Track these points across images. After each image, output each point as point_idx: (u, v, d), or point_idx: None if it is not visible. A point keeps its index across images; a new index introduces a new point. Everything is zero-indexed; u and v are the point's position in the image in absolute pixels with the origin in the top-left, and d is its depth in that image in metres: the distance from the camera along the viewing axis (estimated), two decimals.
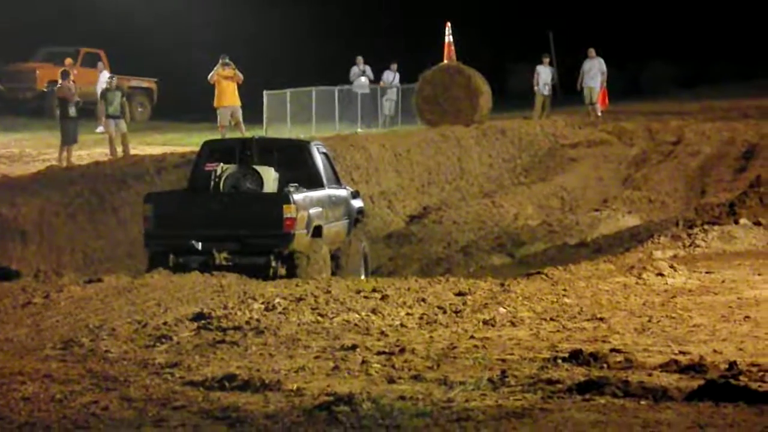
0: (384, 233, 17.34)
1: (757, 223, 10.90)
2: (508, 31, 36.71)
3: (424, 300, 8.41)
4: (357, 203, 13.25)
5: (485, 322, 7.52)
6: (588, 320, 7.57)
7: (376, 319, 7.70)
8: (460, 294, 8.68)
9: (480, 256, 15.46)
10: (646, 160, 22.40)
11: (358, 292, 8.87)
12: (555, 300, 8.32)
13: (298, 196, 11.49)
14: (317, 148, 12.79)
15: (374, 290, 8.92)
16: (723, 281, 8.80)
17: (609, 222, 17.57)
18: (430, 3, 35.83)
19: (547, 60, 26.74)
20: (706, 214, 11.80)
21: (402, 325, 7.53)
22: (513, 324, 7.49)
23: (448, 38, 25.30)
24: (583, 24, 35.45)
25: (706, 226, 10.96)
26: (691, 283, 8.82)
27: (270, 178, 11.79)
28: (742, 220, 10.97)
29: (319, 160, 12.57)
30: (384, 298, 8.50)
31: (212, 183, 11.65)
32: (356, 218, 13.04)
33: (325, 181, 12.39)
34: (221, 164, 11.80)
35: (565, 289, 8.79)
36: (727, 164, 21.31)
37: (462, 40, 26.01)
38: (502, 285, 9.08)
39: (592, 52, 26.12)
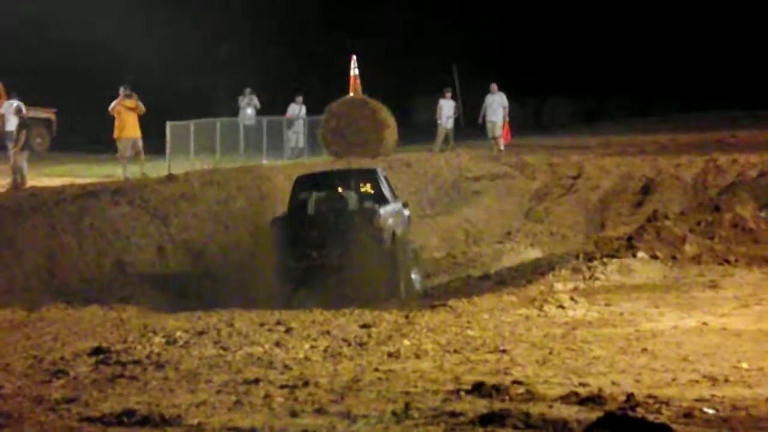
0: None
1: (654, 257, 11.09)
2: (413, 64, 37.08)
3: (328, 332, 8.38)
4: (406, 212, 16.48)
5: (390, 355, 7.52)
6: (491, 352, 7.61)
7: (279, 352, 7.64)
8: (364, 326, 8.67)
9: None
10: (548, 194, 22.73)
11: (262, 324, 8.80)
12: (459, 332, 8.36)
13: (382, 210, 14.81)
14: (381, 173, 16.25)
15: (278, 323, 8.86)
16: (621, 314, 8.94)
17: (512, 254, 17.77)
18: (337, 37, 36.03)
19: (449, 94, 27.12)
20: (605, 247, 11.96)
21: (306, 358, 7.48)
22: (417, 356, 7.50)
23: (354, 71, 25.43)
24: (486, 59, 36.00)
25: (605, 259, 11.10)
26: (590, 316, 8.94)
27: (352, 199, 15.06)
28: (640, 254, 11.15)
29: (384, 182, 15.91)
30: (288, 330, 8.44)
31: (310, 206, 14.88)
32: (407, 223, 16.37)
33: (389, 198, 15.57)
34: (314, 193, 15.12)
35: (468, 321, 8.84)
36: (626, 198, 21.73)
37: (367, 73, 26.18)
38: (407, 317, 9.10)
39: (494, 87, 26.53)
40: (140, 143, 20.39)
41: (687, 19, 38.88)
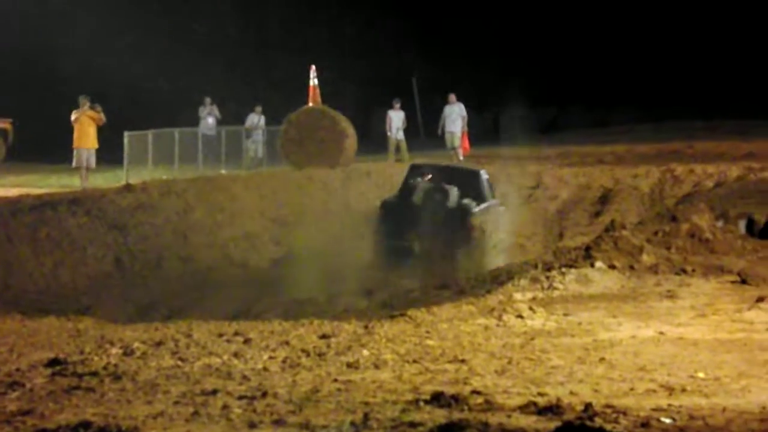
0: (248, 275, 17.20)
1: (612, 267, 11.16)
2: (373, 75, 37.13)
3: (287, 343, 8.35)
4: (502, 208, 19.12)
5: (349, 365, 7.50)
6: (450, 362, 7.62)
7: (238, 362, 7.60)
8: (323, 336, 8.64)
9: (345, 298, 15.44)
10: (506, 204, 22.83)
11: (220, 335, 8.74)
12: (418, 342, 8.36)
13: (476, 210, 17.33)
14: (483, 175, 18.78)
15: (236, 333, 8.81)
16: (579, 323, 8.98)
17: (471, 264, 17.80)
18: (296, 46, 35.98)
19: (397, 105, 27.31)
20: (563, 257, 12.00)
21: (264, 368, 7.44)
22: (376, 366, 7.49)
23: (313, 81, 25.42)
24: (445, 69, 36.15)
25: (563, 269, 11.15)
26: (549, 325, 8.97)
27: (453, 193, 17.33)
28: (598, 264, 11.21)
29: (485, 183, 18.48)
30: (247, 341, 8.40)
31: (416, 194, 17.28)
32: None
33: (486, 197, 18.19)
34: (422, 181, 17.56)
35: (427, 331, 8.84)
36: (584, 208, 21.90)
37: (327, 83, 26.19)
38: (366, 327, 9.08)
39: (452, 97, 26.65)
40: (94, 155, 20.33)
41: (644, 29, 39.25)
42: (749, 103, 39.18)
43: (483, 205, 17.88)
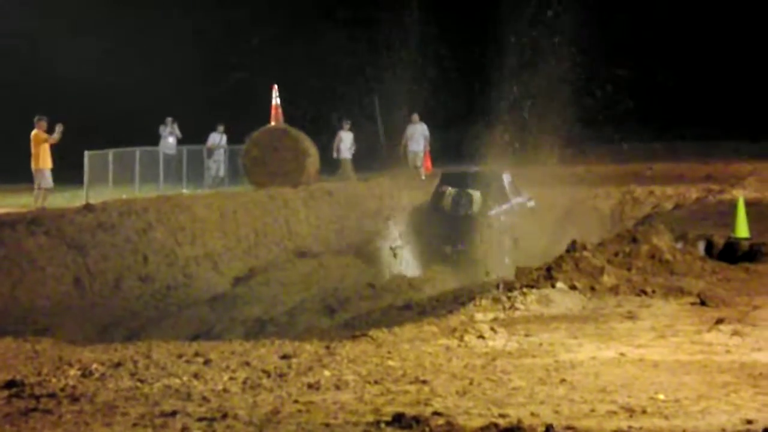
0: (208, 295, 17.10)
1: (573, 287, 11.19)
2: (335, 94, 37.20)
3: (248, 363, 8.29)
4: (531, 203, 21.58)
5: (310, 386, 7.46)
6: (411, 383, 7.60)
7: (197, 384, 7.53)
8: (284, 357, 8.59)
9: (306, 318, 15.40)
10: (469, 224, 22.87)
11: (180, 356, 8.66)
12: (379, 362, 8.33)
13: (492, 212, 19.64)
14: (505, 176, 20.95)
15: (197, 354, 8.73)
16: (541, 344, 8.99)
17: (434, 283, 17.83)
18: (260, 65, 35.98)
19: (347, 126, 27.49)
20: (525, 277, 12.03)
21: (224, 389, 7.38)
22: (337, 387, 7.45)
23: (276, 101, 25.42)
24: (407, 88, 36.25)
25: (525, 290, 11.16)
26: (510, 346, 8.97)
27: (477, 198, 19.74)
28: (559, 284, 11.24)
29: (506, 183, 20.69)
30: (207, 362, 8.33)
31: (446, 201, 19.82)
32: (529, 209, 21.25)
33: (509, 196, 20.55)
34: (449, 188, 20.01)
35: (389, 352, 8.81)
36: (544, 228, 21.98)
37: (289, 102, 26.20)
38: (328, 347, 9.04)
39: (415, 117, 26.76)
40: (49, 175, 20.26)
41: (605, 47, 39.61)
42: (708, 125, 39.66)
43: (504, 206, 20.41)
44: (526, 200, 21.62)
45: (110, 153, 23.44)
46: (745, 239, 14.15)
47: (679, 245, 13.20)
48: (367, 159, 29.40)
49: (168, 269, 17.54)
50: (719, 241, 14.02)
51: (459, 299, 13.61)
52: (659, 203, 22.89)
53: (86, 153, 22.71)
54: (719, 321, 9.46)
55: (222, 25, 37.87)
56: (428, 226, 19.89)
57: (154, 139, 26.53)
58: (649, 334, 9.22)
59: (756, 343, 8.67)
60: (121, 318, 15.37)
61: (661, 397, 6.95)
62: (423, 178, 26.46)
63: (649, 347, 8.73)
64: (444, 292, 16.15)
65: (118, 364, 8.11)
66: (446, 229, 19.64)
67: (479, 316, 10.41)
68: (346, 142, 27.19)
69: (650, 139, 36.34)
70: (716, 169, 28.71)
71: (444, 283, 17.24)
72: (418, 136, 27.03)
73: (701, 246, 13.70)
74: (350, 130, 27.50)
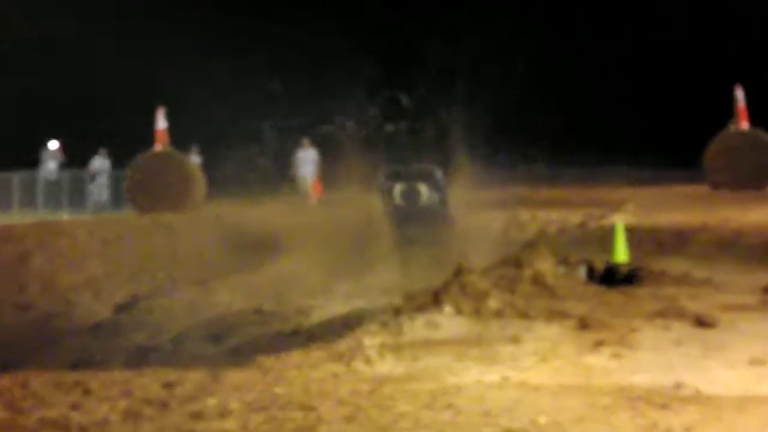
0: (90, 323, 16.74)
1: (459, 311, 11.28)
2: (219, 119, 36.97)
3: (129, 392, 8.11)
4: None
5: (193, 415, 7.33)
6: (298, 409, 7.53)
7: (76, 414, 7.33)
8: (167, 385, 8.42)
9: (191, 346, 15.19)
10: (359, 249, 22.93)
11: (59, 386, 8.43)
12: (265, 389, 8.24)
13: (436, 202, 22.33)
14: (437, 172, 23.45)
15: (76, 383, 8.50)
16: (427, 369, 9.03)
17: (322, 309, 17.78)
18: (147, 90, 35.53)
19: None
20: (412, 302, 12.07)
21: (104, 420, 7.21)
22: (222, 416, 7.34)
23: (161, 124, 25.14)
24: (297, 114, 36.24)
25: (412, 314, 11.21)
26: (397, 371, 8.99)
27: (424, 191, 22.55)
28: (446, 309, 11.31)
29: (439, 178, 23.29)
30: (86, 392, 8.11)
31: (396, 195, 22.64)
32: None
33: (443, 189, 23.05)
34: (397, 183, 22.72)
35: (276, 378, 8.73)
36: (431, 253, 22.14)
37: (175, 126, 25.95)
38: (213, 375, 8.91)
39: (306, 142, 26.77)
40: None
41: (488, 72, 40.31)
42: (591, 151, 40.63)
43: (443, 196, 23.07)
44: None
45: None
46: (624, 264, 14.51)
47: (562, 269, 13.44)
48: (257, 184, 29.21)
49: (47, 297, 17.12)
50: (599, 265, 14.33)
51: (347, 324, 13.59)
52: (543, 227, 23.29)
53: None
54: (599, 344, 9.64)
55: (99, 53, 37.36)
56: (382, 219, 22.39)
57: (33, 163, 25.98)
58: (532, 358, 9.34)
59: (634, 366, 8.87)
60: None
61: (542, 420, 7.03)
62: (313, 203, 26.47)
63: (531, 370, 8.84)
64: (332, 317, 16.12)
65: None
66: (401, 219, 22.14)
67: (367, 341, 10.40)
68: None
69: (532, 164, 37.01)
70: (598, 195, 29.38)
71: (337, 305, 17.22)
72: (308, 161, 27.03)
73: (583, 270, 13.97)
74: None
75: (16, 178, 23.94)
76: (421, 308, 11.50)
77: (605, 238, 17.15)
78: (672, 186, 32.38)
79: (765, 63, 40.44)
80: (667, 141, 40.00)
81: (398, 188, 22.85)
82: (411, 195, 22.72)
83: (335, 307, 17.94)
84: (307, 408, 7.57)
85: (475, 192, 28.96)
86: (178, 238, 22.08)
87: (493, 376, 8.64)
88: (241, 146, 28.78)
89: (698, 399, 7.66)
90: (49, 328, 16.40)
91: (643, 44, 42.93)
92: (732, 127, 28.12)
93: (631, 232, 17.07)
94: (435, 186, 23.31)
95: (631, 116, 42.43)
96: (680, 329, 10.41)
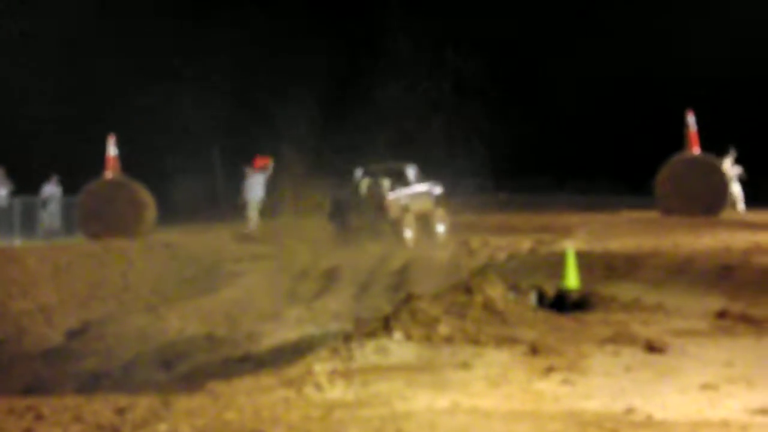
0: (41, 349, 16.60)
1: (410, 337, 11.36)
2: (172, 144, 36.89)
3: (80, 418, 8.11)
4: (437, 190, 27.51)
5: None
6: None
7: None
8: (119, 411, 8.43)
9: (142, 372, 15.11)
10: (309, 275, 22.98)
11: (11, 411, 8.41)
12: (216, 415, 8.27)
13: (391, 195, 24.98)
14: (410, 168, 26.51)
15: (28, 409, 8.49)
16: (377, 394, 9.07)
17: (273, 335, 17.75)
18: (95, 117, 35.37)
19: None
20: (363, 328, 12.12)
21: None
22: None
23: (112, 151, 25.05)
24: (250, 137, 36.27)
25: (363, 340, 11.25)
26: (348, 397, 9.04)
27: (386, 185, 25.20)
28: (396, 335, 11.37)
29: (410, 173, 26.28)
30: (38, 417, 8.11)
31: (360, 188, 25.32)
32: (437, 197, 27.33)
33: (411, 182, 26.21)
34: (366, 178, 25.73)
35: (226, 404, 8.76)
36: (383, 280, 22.23)
37: (127, 152, 25.84)
38: (164, 401, 8.92)
39: (252, 167, 26.72)
40: None
41: (450, 99, 40.66)
42: (541, 177, 40.97)
43: (405, 191, 25.61)
44: (431, 187, 27.18)
45: None
46: (575, 289, 14.65)
47: (512, 295, 13.56)
48: (206, 210, 29.18)
49: None
50: (550, 291, 14.47)
51: (298, 350, 13.61)
52: (493, 254, 23.44)
53: None
54: (549, 369, 9.74)
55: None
56: (341, 208, 25.08)
57: None
58: (482, 383, 9.43)
59: (584, 391, 8.96)
60: None
61: None
62: (254, 228, 26.55)
63: (482, 396, 8.92)
64: (283, 342, 16.11)
65: None
66: (349, 208, 24.92)
67: (318, 367, 10.43)
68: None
69: (484, 191, 37.27)
70: (548, 221, 29.63)
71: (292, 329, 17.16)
72: (254, 185, 27.05)
73: (533, 296, 14.10)
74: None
75: None
76: (371, 334, 11.54)
77: (556, 263, 17.29)
78: (623, 211, 32.68)
79: (717, 89, 41.09)
80: (618, 167, 40.42)
81: (364, 182, 25.35)
82: (372, 188, 25.04)
83: (286, 333, 17.93)
84: None
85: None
86: (130, 265, 21.98)
87: (443, 401, 8.70)
88: (190, 171, 28.76)
89: (650, 424, 7.75)
90: (1, 354, 16.24)
91: (595, 69, 43.44)
92: (683, 153, 28.40)
93: (582, 257, 17.21)
94: (403, 181, 25.64)
95: (582, 143, 42.84)
96: (631, 355, 10.49)
